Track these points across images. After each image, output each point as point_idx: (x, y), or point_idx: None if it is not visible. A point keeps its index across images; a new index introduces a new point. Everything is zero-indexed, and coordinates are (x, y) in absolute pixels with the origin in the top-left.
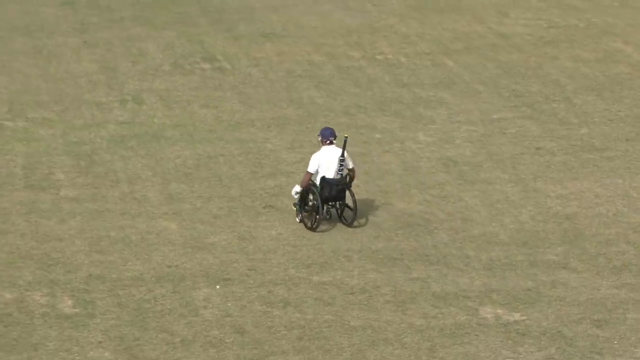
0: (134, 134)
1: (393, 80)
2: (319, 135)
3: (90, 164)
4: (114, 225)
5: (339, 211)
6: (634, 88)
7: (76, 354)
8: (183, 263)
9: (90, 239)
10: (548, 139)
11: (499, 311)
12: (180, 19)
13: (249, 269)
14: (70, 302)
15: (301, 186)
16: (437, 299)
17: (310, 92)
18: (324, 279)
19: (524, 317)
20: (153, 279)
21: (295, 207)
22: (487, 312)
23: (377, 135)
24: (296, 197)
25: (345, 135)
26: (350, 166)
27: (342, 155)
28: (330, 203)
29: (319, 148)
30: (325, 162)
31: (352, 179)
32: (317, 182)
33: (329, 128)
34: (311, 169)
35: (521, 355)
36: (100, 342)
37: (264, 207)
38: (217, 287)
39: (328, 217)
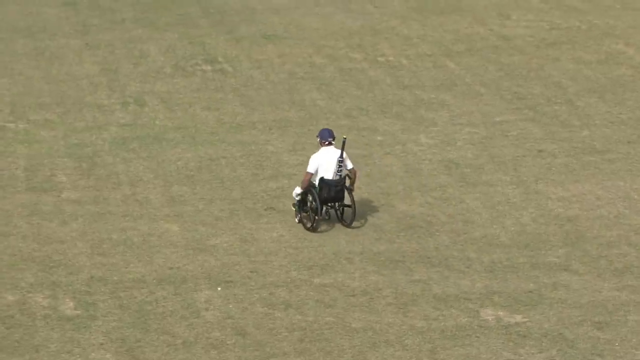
0: (136, 136)
1: (394, 82)
2: (317, 137)
3: (92, 166)
4: (115, 227)
5: (338, 212)
6: (636, 90)
7: (78, 356)
8: (185, 265)
9: (92, 241)
10: (550, 141)
11: (500, 313)
12: (182, 21)
13: (251, 271)
14: (72, 304)
15: (302, 187)
16: (439, 301)
17: (311, 94)
18: (325, 281)
19: (525, 319)
20: (155, 281)
21: (294, 207)
22: (488, 314)
23: (379, 138)
24: (297, 198)
25: (344, 137)
26: (349, 166)
27: (341, 156)
28: (329, 204)
29: (318, 149)
30: (324, 163)
31: (353, 181)
32: (316, 183)
33: (327, 129)
34: (311, 169)
35: (522, 357)
36: (101, 344)
37: (265, 209)
38: (219, 289)
39: (327, 217)
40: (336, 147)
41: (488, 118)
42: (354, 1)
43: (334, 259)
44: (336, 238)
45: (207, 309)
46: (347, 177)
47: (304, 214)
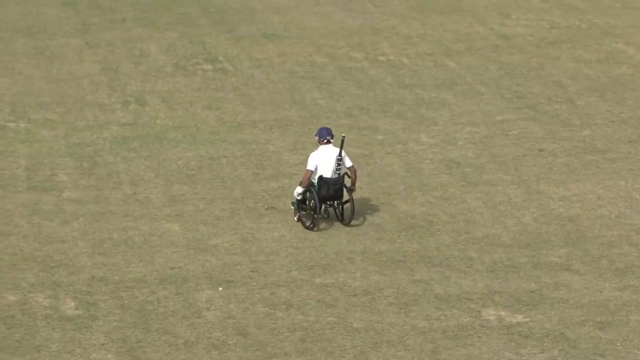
0: (137, 136)
1: (395, 81)
2: (316, 135)
3: (93, 165)
4: (116, 227)
5: (337, 210)
6: (637, 89)
7: (79, 356)
8: (186, 265)
9: (93, 241)
10: (550, 141)
11: (502, 313)
12: (182, 20)
13: (252, 271)
14: (73, 304)
15: (302, 186)
16: (440, 301)
17: (312, 93)
18: (326, 281)
19: (527, 319)
20: (156, 280)
21: (293, 206)
22: (490, 314)
23: (380, 137)
24: (299, 198)
25: (343, 135)
26: (348, 165)
27: (340, 154)
28: (328, 202)
29: (317, 148)
30: (322, 162)
31: (354, 181)
32: (315, 181)
33: (325, 128)
34: (310, 166)
35: (524, 357)
36: (103, 344)
37: (266, 209)
38: (220, 289)
39: (326, 216)
40: (335, 145)
41: (489, 117)
42: (353, 0)
43: (336, 259)
44: (337, 238)
45: (208, 309)
46: (346, 176)
47: (303, 212)
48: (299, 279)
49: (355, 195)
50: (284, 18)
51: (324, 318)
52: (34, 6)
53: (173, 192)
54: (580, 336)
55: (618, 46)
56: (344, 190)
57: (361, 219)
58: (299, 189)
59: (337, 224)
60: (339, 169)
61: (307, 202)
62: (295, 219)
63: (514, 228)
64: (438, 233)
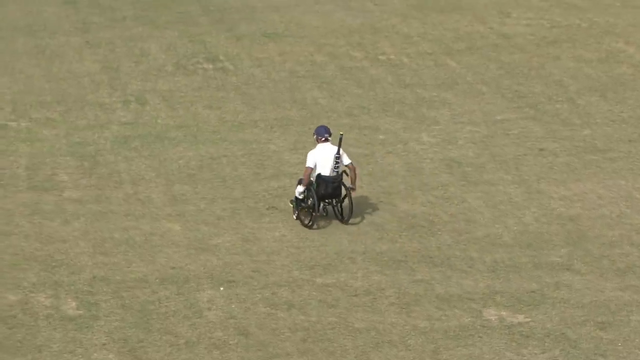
0: (138, 135)
1: (396, 80)
2: (314, 134)
3: (94, 164)
4: (117, 226)
5: (336, 208)
6: (637, 89)
7: (80, 356)
8: (187, 265)
9: (94, 241)
10: (551, 140)
11: (503, 313)
12: (182, 19)
13: (253, 271)
14: (74, 304)
15: (303, 184)
16: (441, 301)
17: (313, 92)
18: (327, 281)
19: (528, 319)
20: (157, 280)
21: (291, 204)
22: (491, 314)
23: (381, 136)
24: (301, 197)
25: (341, 133)
26: (347, 162)
27: (338, 152)
28: (326, 200)
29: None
30: (321, 160)
31: (353, 180)
32: (313, 179)
33: (323, 126)
34: (310, 163)
35: (525, 358)
36: (104, 344)
37: (267, 209)
38: (221, 288)
39: (325, 214)
40: (333, 143)
41: (489, 117)
42: None
43: (337, 259)
44: (338, 237)
45: (209, 309)
46: (344, 174)
47: (302, 210)
48: (300, 279)
49: (356, 195)
50: (284, 17)
51: (325, 318)
52: (34, 5)
53: (174, 191)
54: (581, 336)
55: (618, 45)
56: (342, 188)
57: (362, 218)
58: (300, 188)
59: (338, 223)
60: (337, 166)
61: (306, 200)
62: (294, 217)
63: (515, 228)
64: (439, 233)
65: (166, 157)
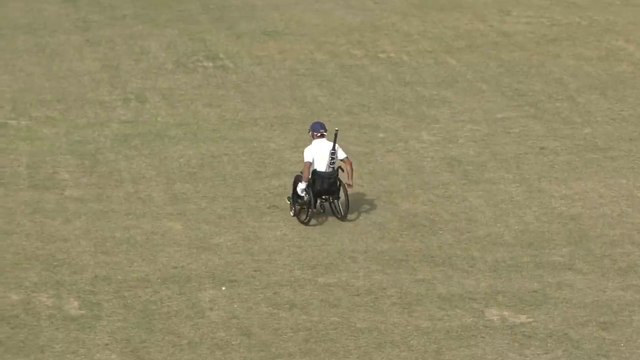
0: (138, 133)
1: (396, 78)
2: (309, 130)
3: (95, 163)
4: (119, 225)
5: (333, 205)
6: (637, 87)
7: (83, 357)
8: (189, 264)
9: (95, 240)
10: (552, 139)
11: (505, 313)
12: (182, 17)
13: (255, 270)
14: (76, 304)
15: (304, 179)
16: (443, 300)
17: (313, 90)
18: (329, 281)
19: (530, 319)
20: (159, 280)
21: (288, 200)
22: (493, 314)
23: (381, 135)
24: (303, 194)
25: (336, 129)
26: (342, 156)
27: (333, 148)
28: (323, 197)
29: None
30: (317, 156)
31: (350, 174)
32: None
33: (319, 122)
34: (308, 158)
35: (527, 358)
36: (106, 344)
37: (268, 207)
38: (223, 288)
39: (322, 210)
40: (328, 139)
41: (489, 115)
42: None
43: (338, 258)
44: (339, 236)
45: (211, 309)
46: (340, 170)
47: (298, 207)
48: (302, 279)
49: (356, 194)
50: (284, 15)
51: (327, 318)
52: (34, 3)
53: (175, 190)
54: (583, 336)
55: (618, 43)
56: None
57: (363, 217)
58: (302, 185)
59: (339, 222)
60: (333, 162)
61: (303, 197)
62: (292, 214)
63: (516, 227)
64: (440, 232)
65: (166, 155)
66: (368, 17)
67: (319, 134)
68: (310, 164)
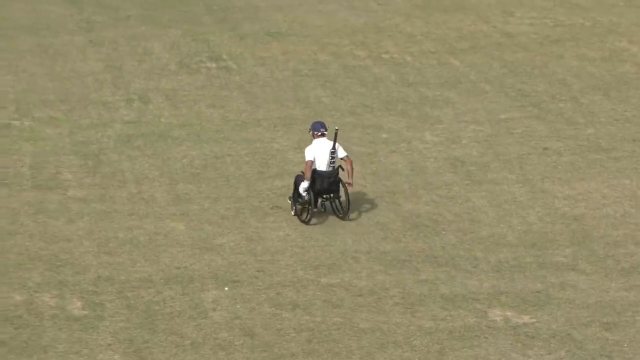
0: (141, 134)
1: (399, 79)
2: (309, 130)
3: (98, 163)
4: (122, 226)
5: (334, 204)
6: None
7: (86, 357)
8: (191, 264)
9: (98, 240)
10: (555, 139)
11: (508, 313)
12: (185, 18)
13: (257, 271)
14: (79, 304)
15: (305, 178)
16: (446, 301)
17: (316, 91)
18: (332, 281)
19: (534, 320)
20: (162, 280)
21: (289, 200)
22: (496, 314)
23: (384, 135)
24: (304, 193)
25: (336, 128)
26: (342, 154)
27: (333, 147)
28: (324, 196)
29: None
30: (318, 155)
31: (350, 173)
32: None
33: (319, 121)
34: (309, 157)
35: (531, 359)
36: (109, 345)
37: (271, 208)
38: (226, 288)
39: (323, 210)
40: (328, 138)
41: (493, 115)
42: None
43: (341, 258)
44: (342, 237)
45: (214, 309)
46: (340, 169)
47: (299, 206)
48: (305, 279)
49: (359, 194)
50: (287, 16)
51: (330, 318)
52: (37, 4)
53: (178, 190)
54: (587, 337)
55: (622, 44)
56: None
57: (366, 217)
58: (305, 184)
59: (341, 222)
60: (333, 161)
61: (304, 196)
62: (292, 213)
63: (519, 227)
64: (443, 232)
65: (170, 156)
66: (371, 18)
67: (320, 134)
68: (312, 163)
